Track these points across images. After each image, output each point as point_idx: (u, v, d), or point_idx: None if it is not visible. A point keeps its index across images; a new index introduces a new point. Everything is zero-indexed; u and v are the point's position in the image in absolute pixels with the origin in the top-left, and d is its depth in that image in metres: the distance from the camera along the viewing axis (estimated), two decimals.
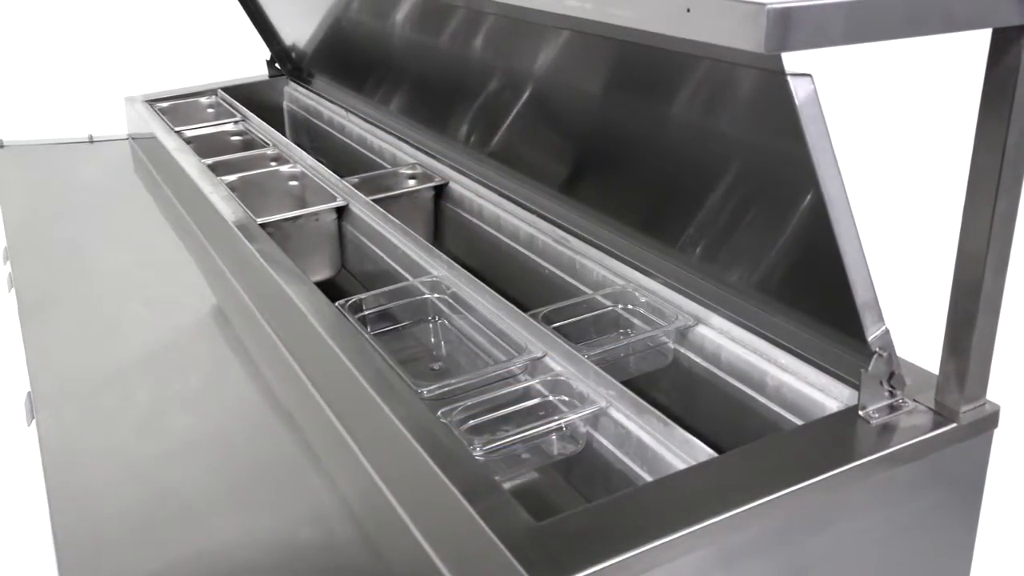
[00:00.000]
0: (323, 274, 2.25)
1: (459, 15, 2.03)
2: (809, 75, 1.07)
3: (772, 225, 1.38)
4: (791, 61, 1.20)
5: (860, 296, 1.19)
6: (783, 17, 0.90)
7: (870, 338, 1.22)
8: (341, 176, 2.32)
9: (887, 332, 1.22)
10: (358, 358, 1.48)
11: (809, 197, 1.23)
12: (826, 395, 1.35)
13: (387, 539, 1.29)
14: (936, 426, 1.21)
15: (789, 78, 1.06)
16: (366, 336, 1.58)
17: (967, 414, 1.23)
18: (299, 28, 3.05)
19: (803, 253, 1.33)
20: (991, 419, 1.24)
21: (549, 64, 1.79)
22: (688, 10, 0.98)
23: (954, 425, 1.21)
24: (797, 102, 1.07)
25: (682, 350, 1.59)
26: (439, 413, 1.39)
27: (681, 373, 1.60)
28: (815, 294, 1.35)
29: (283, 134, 3.27)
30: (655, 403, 1.67)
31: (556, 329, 1.61)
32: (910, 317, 1.54)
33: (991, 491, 1.30)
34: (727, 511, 1.08)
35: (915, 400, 1.26)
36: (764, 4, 0.89)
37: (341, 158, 2.87)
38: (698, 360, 1.56)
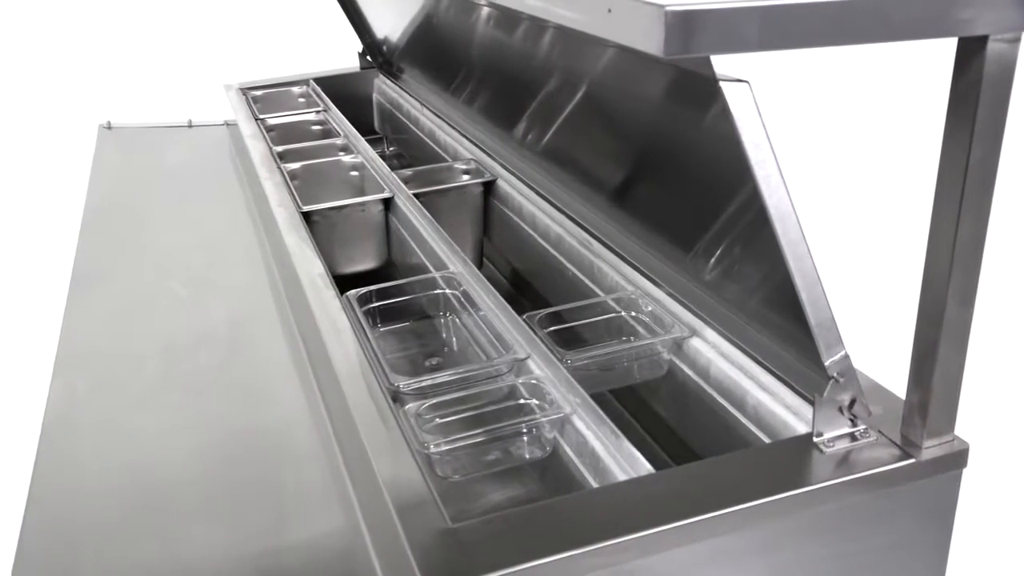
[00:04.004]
0: (369, 264, 2.29)
1: (524, 25, 2.03)
2: (746, 81, 1.02)
3: (754, 239, 1.32)
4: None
5: (813, 317, 1.13)
6: (685, 20, 0.86)
7: (827, 363, 1.15)
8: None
9: (846, 357, 1.16)
10: (344, 349, 1.50)
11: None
12: (798, 418, 1.28)
13: (337, 527, 1.30)
14: (893, 460, 1.14)
15: (722, 84, 1.01)
16: (364, 327, 1.60)
17: (929, 450, 1.14)
18: (389, 23, 3.10)
19: (778, 270, 1.27)
20: (957, 457, 1.15)
21: (595, 77, 1.77)
22: (609, 10, 0.95)
23: (912, 461, 1.14)
24: (732, 109, 1.02)
25: (677, 361, 1.54)
26: (407, 408, 1.40)
27: (676, 384, 1.55)
28: (792, 313, 1.29)
29: (372, 125, 3.36)
30: (653, 413, 1.65)
31: (558, 331, 1.60)
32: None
33: (967, 532, 1.22)
34: (641, 530, 1.05)
35: (880, 431, 1.19)
36: (664, 6, 0.86)
37: (414, 150, 2.92)
38: (690, 373, 1.51)
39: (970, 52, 0.99)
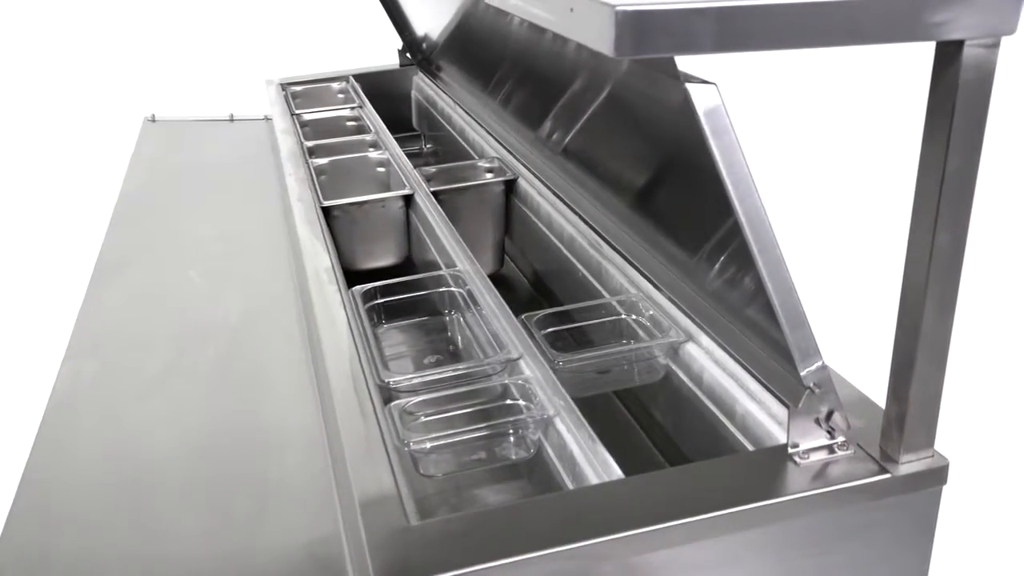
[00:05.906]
0: (389, 260, 2.30)
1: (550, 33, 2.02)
2: (713, 83, 1.00)
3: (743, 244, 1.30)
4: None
5: (788, 325, 1.10)
6: (636, 20, 0.85)
7: (803, 372, 1.13)
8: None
9: (824, 368, 1.13)
10: (338, 344, 1.51)
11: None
12: (783, 429, 1.26)
13: (318, 522, 1.31)
14: (868, 475, 1.11)
15: (688, 86, 0.99)
16: (364, 323, 1.61)
17: (907, 465, 1.11)
18: (428, 21, 3.12)
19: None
20: (936, 474, 1.11)
21: (618, 80, 1.75)
22: (571, 10, 0.94)
23: (888, 476, 1.10)
24: (698, 112, 1.00)
25: (673, 366, 1.52)
26: (392, 404, 1.40)
27: (672, 389, 1.54)
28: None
29: (410, 123, 3.38)
30: (651, 416, 1.63)
31: (557, 331, 1.59)
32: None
33: (948, 551, 1.18)
34: (598, 537, 1.04)
35: (859, 444, 1.16)
36: (614, 5, 0.85)
37: (448, 148, 2.93)
38: (684, 378, 1.49)
39: (947, 57, 0.96)
